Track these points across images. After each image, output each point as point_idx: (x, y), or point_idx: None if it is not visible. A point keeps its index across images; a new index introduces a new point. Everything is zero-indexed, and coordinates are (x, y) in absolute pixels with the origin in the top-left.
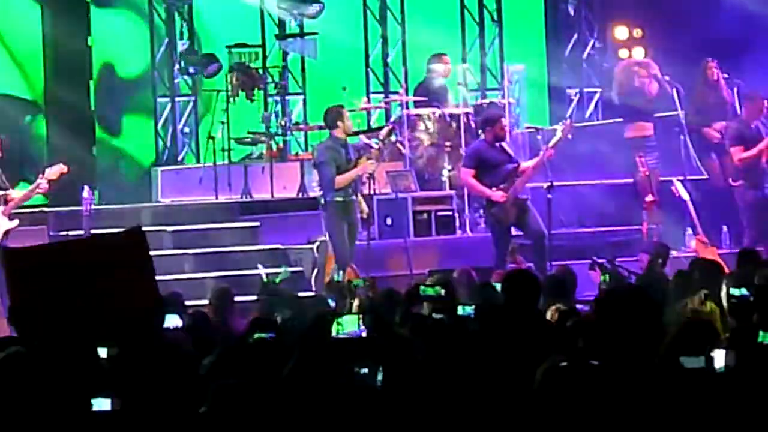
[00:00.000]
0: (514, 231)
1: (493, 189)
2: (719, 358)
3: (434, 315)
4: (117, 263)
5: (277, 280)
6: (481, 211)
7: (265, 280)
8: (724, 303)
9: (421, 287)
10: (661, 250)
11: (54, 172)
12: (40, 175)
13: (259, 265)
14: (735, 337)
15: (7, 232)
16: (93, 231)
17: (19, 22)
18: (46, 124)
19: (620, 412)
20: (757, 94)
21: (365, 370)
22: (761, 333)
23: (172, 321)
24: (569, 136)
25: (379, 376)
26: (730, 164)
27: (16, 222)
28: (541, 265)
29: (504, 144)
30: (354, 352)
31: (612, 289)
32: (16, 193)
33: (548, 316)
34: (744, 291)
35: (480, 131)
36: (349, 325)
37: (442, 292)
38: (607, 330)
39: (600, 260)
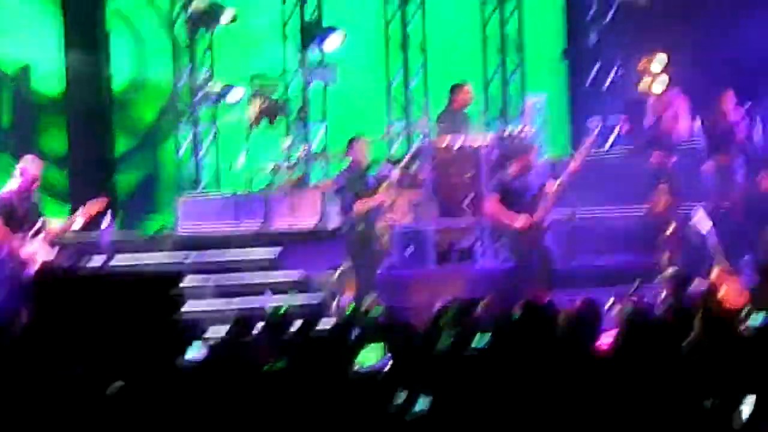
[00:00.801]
0: None
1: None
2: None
3: (449, 346)
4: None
5: (281, 312)
6: (500, 239)
7: (269, 311)
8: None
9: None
10: (680, 280)
11: (95, 206)
12: (82, 207)
13: (268, 291)
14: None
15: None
16: (114, 256)
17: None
18: (70, 152)
19: None
20: None
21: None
22: None
23: (194, 351)
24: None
25: (420, 404)
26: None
27: (55, 252)
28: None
29: (532, 176)
30: (377, 385)
31: (635, 321)
32: (56, 222)
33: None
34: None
35: (508, 161)
36: (370, 357)
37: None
38: (628, 364)
39: (617, 292)
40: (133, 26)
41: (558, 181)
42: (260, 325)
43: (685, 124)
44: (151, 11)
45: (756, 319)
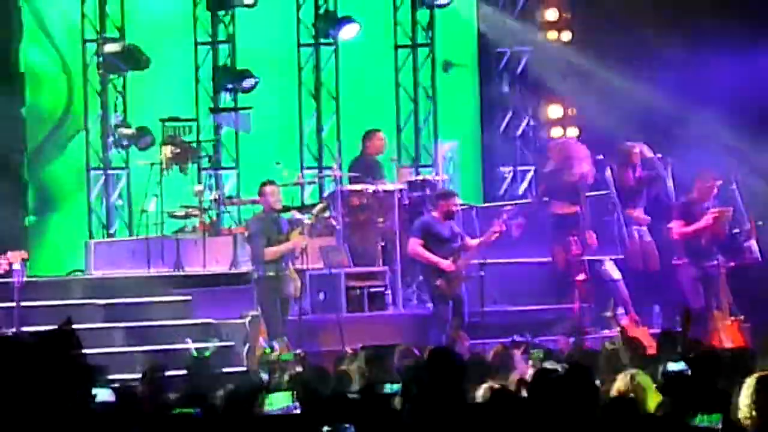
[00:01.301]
0: None
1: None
2: None
3: (358, 393)
4: (43, 368)
5: (207, 354)
6: (415, 286)
7: (194, 354)
8: (653, 382)
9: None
10: (576, 331)
11: (16, 256)
12: (3, 256)
13: (188, 339)
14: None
15: None
16: (23, 303)
17: None
18: None
19: None
20: (708, 174)
21: None
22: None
23: (102, 395)
24: (504, 228)
25: None
26: (668, 242)
27: None
28: None
29: (453, 224)
30: (285, 429)
31: (546, 369)
32: None
33: (480, 394)
34: (682, 365)
35: (432, 206)
36: (280, 401)
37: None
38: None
39: (521, 339)
40: (46, 67)
41: (479, 241)
42: (172, 368)
43: (589, 173)
44: (64, 53)
45: (672, 366)
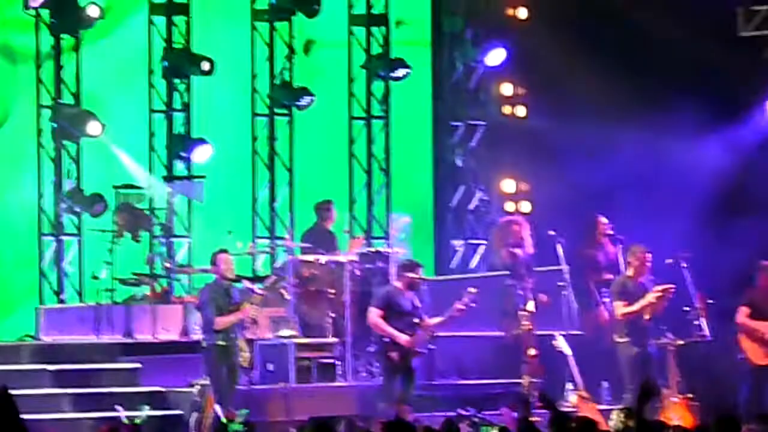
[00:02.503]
0: None
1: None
2: None
3: None
4: None
5: (137, 422)
6: (365, 358)
7: (125, 422)
8: None
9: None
10: (522, 405)
11: None
12: None
13: (119, 407)
14: None
15: None
16: None
17: None
18: None
19: None
20: (639, 249)
21: None
22: None
23: None
24: (473, 304)
25: None
26: (614, 320)
27: None
28: None
29: (414, 297)
30: None
31: None
32: None
33: None
34: None
35: (396, 276)
36: None
37: None
38: None
39: (466, 413)
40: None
41: (439, 320)
42: None
43: (530, 249)
44: (18, 118)
45: None
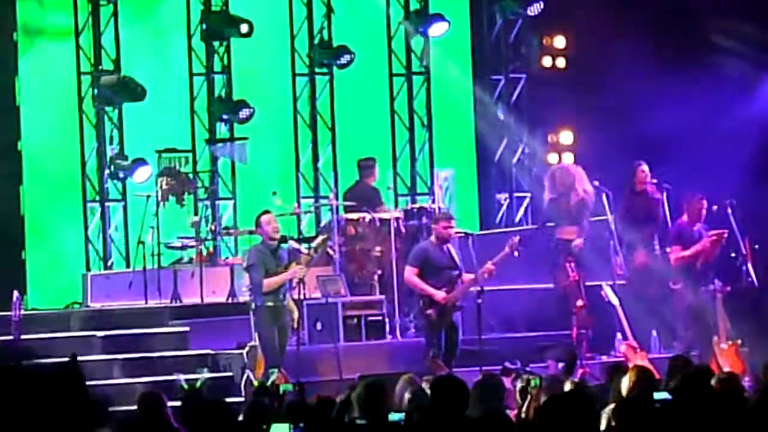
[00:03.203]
0: None
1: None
2: None
3: (360, 421)
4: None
5: (198, 386)
6: (411, 315)
7: (185, 386)
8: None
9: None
10: (569, 357)
11: None
12: None
13: (177, 374)
14: None
15: None
16: (22, 336)
17: None
18: None
19: None
20: (695, 197)
21: None
22: None
23: None
24: (516, 254)
25: None
26: (665, 267)
27: None
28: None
29: (452, 249)
30: None
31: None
32: None
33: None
34: (666, 395)
35: (422, 233)
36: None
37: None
38: None
39: (512, 366)
40: (44, 100)
41: (473, 276)
42: (170, 400)
43: (588, 196)
44: (60, 85)
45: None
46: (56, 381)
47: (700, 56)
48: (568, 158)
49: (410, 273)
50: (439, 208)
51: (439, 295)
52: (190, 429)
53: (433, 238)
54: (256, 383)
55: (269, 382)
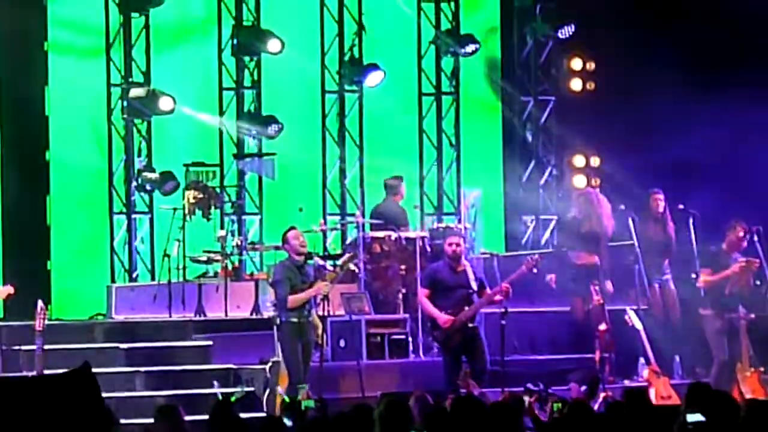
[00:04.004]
0: None
1: (443, 312)
2: None
3: None
4: (65, 406)
5: (233, 399)
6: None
7: (220, 398)
8: None
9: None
10: (591, 380)
11: (2, 291)
12: None
13: (215, 383)
14: None
15: None
16: (46, 346)
17: None
18: (2, 236)
19: None
20: (739, 226)
21: None
22: None
23: None
24: (534, 271)
25: None
26: (695, 292)
27: None
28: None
29: (468, 268)
30: None
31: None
32: None
33: None
34: (699, 417)
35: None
36: None
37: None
38: None
39: (534, 388)
40: (73, 111)
41: (484, 297)
42: (192, 414)
43: (610, 224)
44: (90, 97)
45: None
46: (70, 386)
47: (732, 78)
48: (595, 182)
49: (421, 294)
50: (465, 228)
51: (442, 318)
52: None
53: (445, 258)
54: (286, 399)
55: (298, 397)
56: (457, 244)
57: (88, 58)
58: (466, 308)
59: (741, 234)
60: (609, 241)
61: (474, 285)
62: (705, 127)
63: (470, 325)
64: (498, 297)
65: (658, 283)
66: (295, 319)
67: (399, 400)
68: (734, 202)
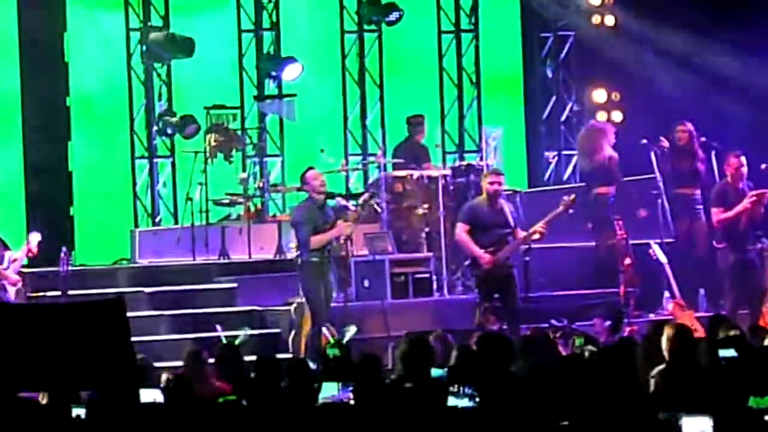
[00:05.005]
0: None
1: (483, 251)
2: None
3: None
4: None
5: (236, 343)
6: (459, 273)
7: (223, 342)
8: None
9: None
10: (615, 315)
11: (34, 238)
12: (26, 242)
13: (218, 326)
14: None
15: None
16: (70, 292)
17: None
18: (25, 184)
19: None
20: (732, 155)
21: None
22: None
23: (150, 395)
24: (570, 211)
25: None
26: (712, 226)
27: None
28: (514, 333)
29: (505, 206)
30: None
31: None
32: (18, 253)
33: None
34: (732, 352)
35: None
36: (329, 390)
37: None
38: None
39: (558, 324)
40: (92, 56)
41: (524, 235)
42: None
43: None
44: (109, 41)
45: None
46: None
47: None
48: (617, 116)
49: (460, 230)
50: (488, 165)
51: (484, 257)
52: (236, 386)
53: (483, 194)
54: (332, 340)
55: (317, 339)
56: (499, 183)
57: (106, 2)
58: (505, 246)
59: (738, 163)
60: (618, 169)
61: (512, 224)
62: (723, 60)
63: (507, 264)
64: (536, 236)
65: (689, 216)
66: (315, 259)
67: (421, 338)
68: (763, 134)
